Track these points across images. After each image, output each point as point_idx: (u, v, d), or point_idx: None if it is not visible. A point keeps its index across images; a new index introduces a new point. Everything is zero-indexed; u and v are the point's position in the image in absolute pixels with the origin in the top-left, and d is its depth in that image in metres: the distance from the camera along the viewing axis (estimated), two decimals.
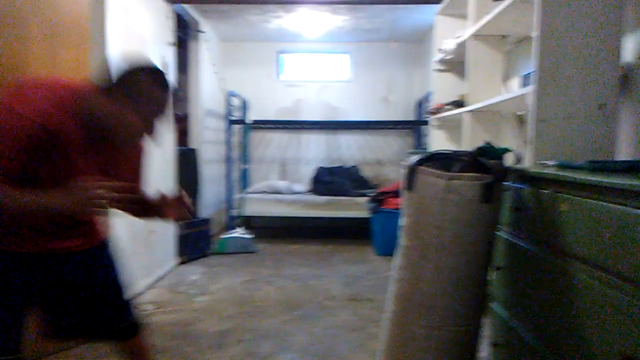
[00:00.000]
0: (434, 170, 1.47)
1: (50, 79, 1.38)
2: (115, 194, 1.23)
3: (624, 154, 1.84)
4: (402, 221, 1.61)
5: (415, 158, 1.56)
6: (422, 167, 1.51)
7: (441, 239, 1.46)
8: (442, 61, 3.64)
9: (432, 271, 1.48)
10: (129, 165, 1.49)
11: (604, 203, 1.09)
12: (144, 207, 1.53)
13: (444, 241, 1.46)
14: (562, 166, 1.52)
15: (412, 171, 1.53)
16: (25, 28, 2.07)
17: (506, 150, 1.56)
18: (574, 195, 1.22)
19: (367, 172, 5.87)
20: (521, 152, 1.63)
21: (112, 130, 1.28)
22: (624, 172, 1.24)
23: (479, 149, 1.52)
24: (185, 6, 4.30)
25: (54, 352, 2.26)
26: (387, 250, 4.14)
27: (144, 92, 1.26)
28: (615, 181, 1.06)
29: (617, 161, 1.64)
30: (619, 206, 1.04)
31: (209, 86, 5.25)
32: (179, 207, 1.48)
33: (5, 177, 1.16)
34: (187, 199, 1.50)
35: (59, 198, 1.20)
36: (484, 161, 1.46)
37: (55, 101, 1.22)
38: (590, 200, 1.15)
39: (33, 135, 1.18)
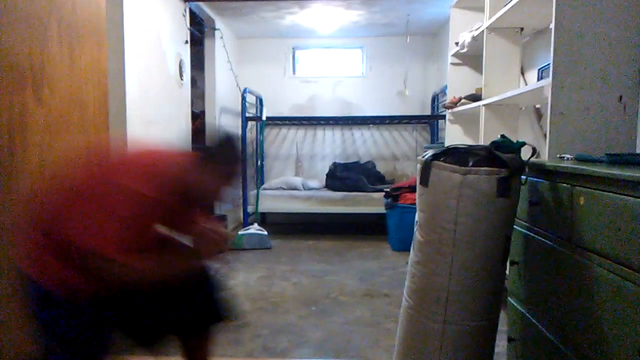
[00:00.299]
0: (449, 165, 1.46)
1: (153, 151, 1.46)
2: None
3: None
4: (418, 216, 1.60)
5: (430, 152, 1.55)
6: (437, 162, 1.50)
7: (457, 234, 1.45)
8: (458, 54, 3.61)
9: (448, 266, 1.47)
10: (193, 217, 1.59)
11: (624, 196, 1.07)
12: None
13: (460, 236, 1.45)
14: (581, 159, 1.50)
15: (427, 166, 1.52)
16: (43, 29, 2.10)
17: (522, 143, 1.54)
18: (592, 189, 1.21)
19: (382, 168, 5.84)
20: (538, 145, 1.61)
21: (197, 198, 1.43)
22: None
23: (495, 142, 1.50)
24: (200, 4, 4.33)
25: None
26: (403, 246, 4.13)
27: (229, 168, 1.43)
28: (635, 174, 1.04)
29: (637, 154, 1.61)
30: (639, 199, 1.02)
31: (224, 83, 5.28)
32: (215, 242, 1.47)
33: (121, 250, 1.24)
34: (223, 232, 1.54)
35: (180, 262, 1.43)
36: (500, 155, 1.45)
37: (162, 176, 1.33)
38: (609, 194, 1.13)
39: (145, 209, 1.29)
